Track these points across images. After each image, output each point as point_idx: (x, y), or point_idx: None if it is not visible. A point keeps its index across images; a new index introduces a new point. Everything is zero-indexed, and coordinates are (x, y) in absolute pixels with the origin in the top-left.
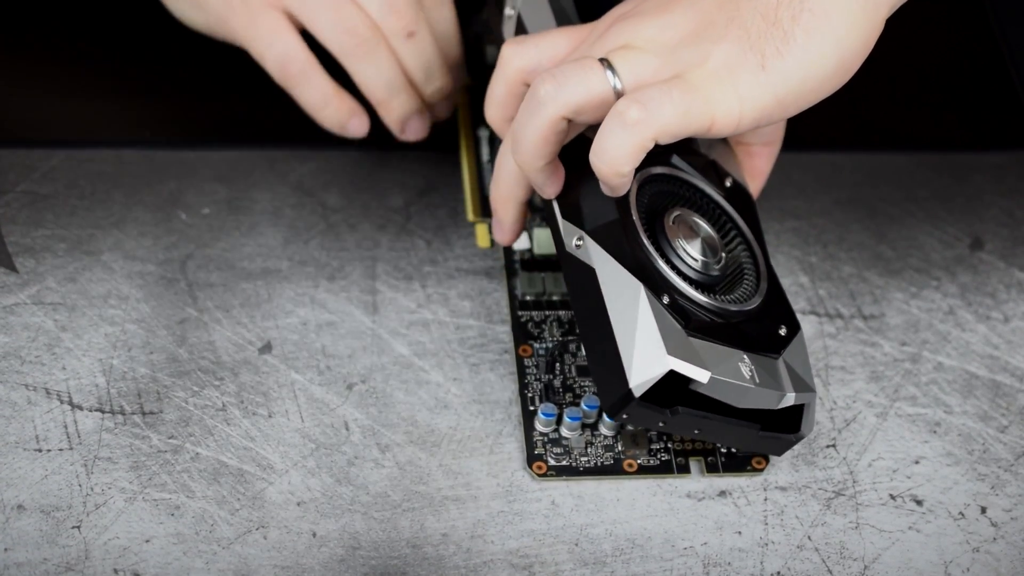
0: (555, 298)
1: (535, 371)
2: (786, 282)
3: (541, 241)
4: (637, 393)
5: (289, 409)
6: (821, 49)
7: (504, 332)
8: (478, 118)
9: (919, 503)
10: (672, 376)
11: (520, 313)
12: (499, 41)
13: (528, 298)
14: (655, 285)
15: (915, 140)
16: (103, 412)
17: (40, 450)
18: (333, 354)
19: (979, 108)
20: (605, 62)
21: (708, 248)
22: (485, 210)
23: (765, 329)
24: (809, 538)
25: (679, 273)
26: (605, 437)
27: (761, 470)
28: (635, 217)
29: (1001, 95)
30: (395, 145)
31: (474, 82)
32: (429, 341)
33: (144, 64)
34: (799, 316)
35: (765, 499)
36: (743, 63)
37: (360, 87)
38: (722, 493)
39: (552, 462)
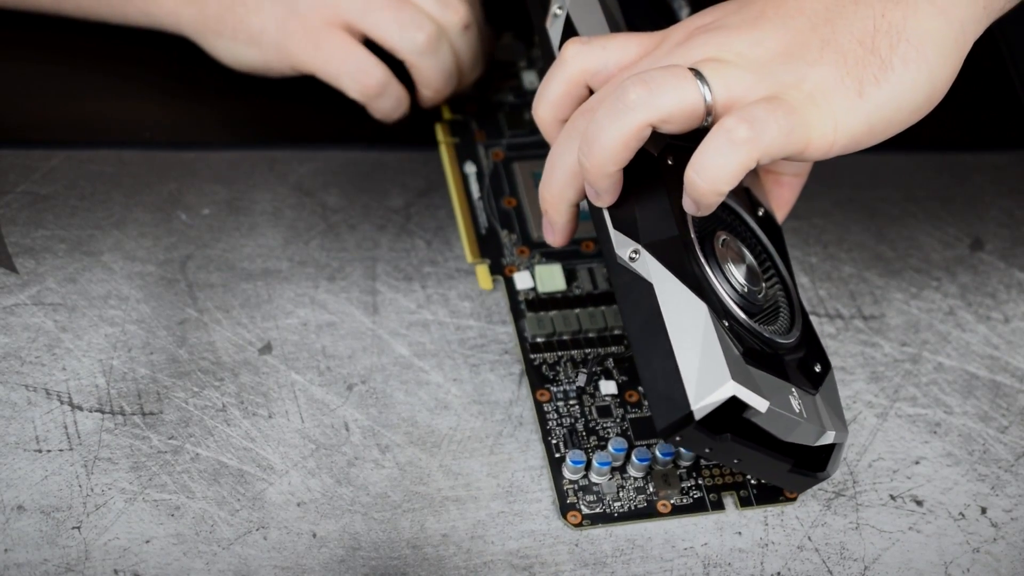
0: (566, 337)
1: (556, 416)
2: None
3: (544, 279)
4: (698, 416)
5: (289, 410)
6: (916, 78)
7: (504, 332)
8: (464, 153)
9: (919, 503)
10: (730, 403)
11: (532, 356)
12: (545, 46)
13: (539, 340)
14: (714, 307)
15: (915, 140)
16: (103, 413)
17: (40, 451)
18: (333, 355)
19: (979, 108)
20: (696, 72)
21: (753, 276)
22: (483, 250)
23: (803, 364)
24: (809, 538)
25: (730, 298)
26: (635, 479)
27: (793, 499)
28: (693, 235)
29: (1001, 95)
30: (395, 145)
31: (454, 115)
32: (429, 342)
33: (144, 64)
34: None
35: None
36: (840, 88)
37: (422, 80)
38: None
39: (586, 510)
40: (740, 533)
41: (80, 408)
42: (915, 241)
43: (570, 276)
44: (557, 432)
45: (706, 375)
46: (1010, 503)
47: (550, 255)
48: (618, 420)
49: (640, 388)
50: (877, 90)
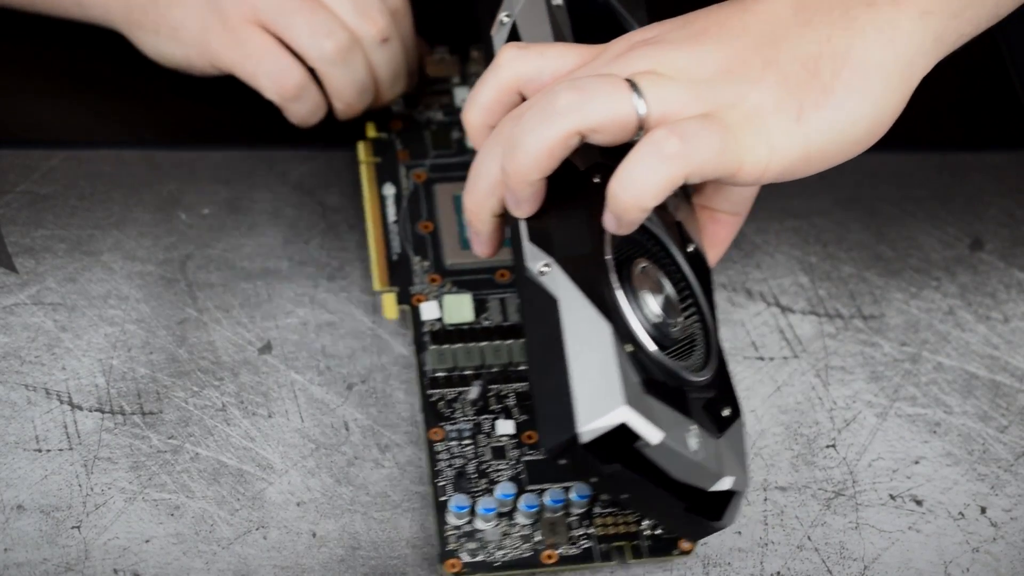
0: (467, 372)
1: (447, 456)
2: (786, 282)
3: (451, 309)
4: (585, 439)
5: (289, 409)
6: (859, 109)
7: None
8: (385, 174)
9: (919, 503)
10: (621, 430)
11: (430, 392)
12: (489, 55)
13: (439, 375)
14: (619, 330)
15: (915, 140)
16: (103, 412)
17: (40, 450)
18: (333, 354)
19: (979, 108)
20: (632, 84)
21: (670, 308)
22: (393, 278)
23: (710, 406)
24: (809, 538)
25: (641, 325)
26: (522, 527)
27: (689, 552)
28: (609, 256)
29: (1001, 95)
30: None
31: (379, 133)
32: None
33: (144, 64)
34: (799, 316)
35: (765, 499)
36: (779, 111)
37: (331, 90)
38: None
39: (467, 558)
40: (740, 533)
41: (80, 408)
42: (915, 241)
43: (480, 307)
44: (447, 474)
45: (599, 398)
46: (1010, 503)
47: (462, 284)
48: (512, 462)
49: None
50: (817, 116)
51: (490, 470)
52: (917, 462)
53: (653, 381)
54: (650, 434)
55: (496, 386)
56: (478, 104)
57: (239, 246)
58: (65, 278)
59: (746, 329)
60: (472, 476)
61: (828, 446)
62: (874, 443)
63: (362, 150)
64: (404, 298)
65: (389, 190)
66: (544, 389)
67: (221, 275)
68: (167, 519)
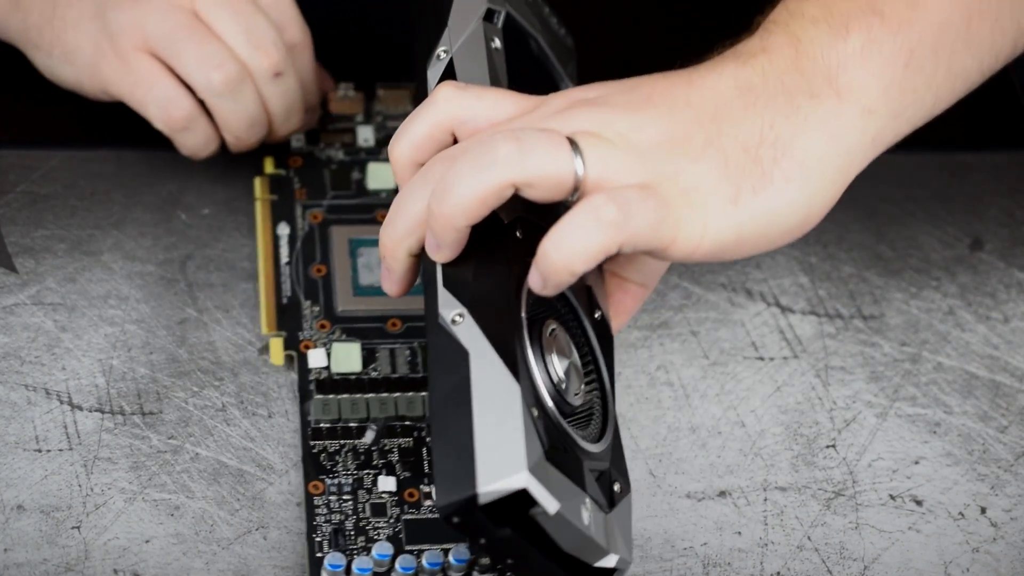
0: (352, 424)
1: (326, 511)
2: (786, 282)
3: (340, 358)
4: (483, 500)
5: (289, 409)
6: (795, 198)
7: None
8: (280, 213)
9: (919, 503)
10: (518, 496)
11: (312, 443)
12: (422, 90)
13: (322, 426)
14: (526, 392)
15: (915, 140)
16: (103, 412)
17: (40, 450)
18: None
19: (979, 108)
20: (572, 142)
21: (574, 374)
22: (281, 322)
23: (603, 479)
24: (809, 538)
25: (547, 390)
26: None
27: None
28: (523, 315)
29: (1001, 95)
30: None
31: (277, 170)
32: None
33: None
34: (799, 316)
35: (765, 499)
36: (716, 191)
37: (220, 122)
38: (722, 493)
39: None
40: (740, 533)
41: (80, 408)
42: (915, 241)
43: (369, 356)
44: (324, 529)
45: (502, 460)
46: (1010, 503)
47: (352, 332)
48: (392, 521)
49: (426, 470)
50: (753, 201)
51: (368, 527)
52: (917, 462)
53: (555, 449)
54: (548, 503)
55: (381, 441)
56: (409, 139)
57: (239, 246)
58: (65, 278)
59: (746, 329)
60: (350, 533)
61: (828, 446)
62: (874, 443)
63: (258, 186)
64: (292, 343)
65: (284, 230)
66: (445, 443)
67: (221, 275)
68: (167, 519)
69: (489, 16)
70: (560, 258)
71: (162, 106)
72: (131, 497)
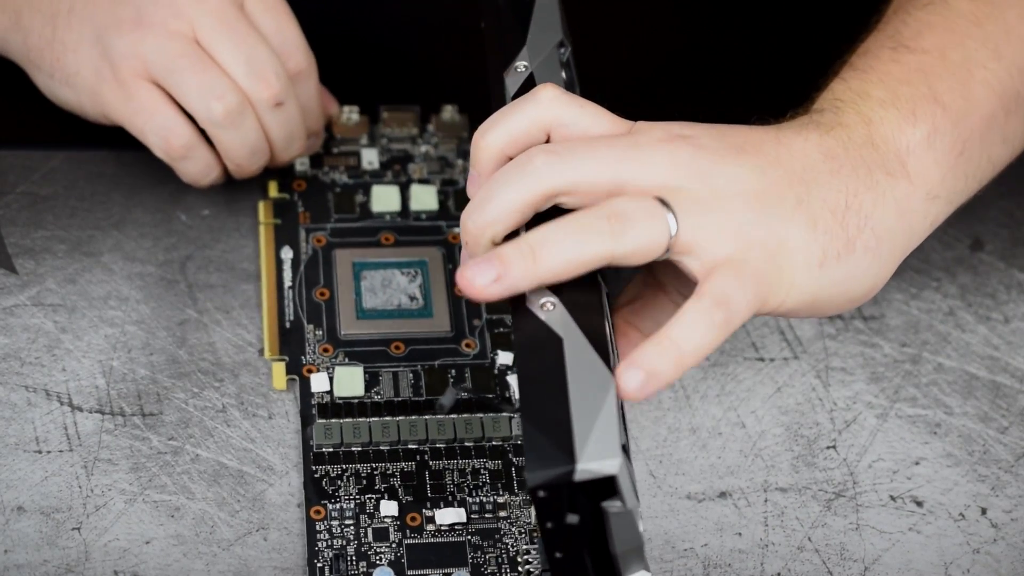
0: (355, 449)
1: (327, 537)
2: None
3: (342, 381)
4: (578, 477)
5: (289, 411)
6: (869, 269)
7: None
8: (284, 236)
9: (919, 504)
10: (599, 485)
11: (314, 468)
12: (497, 92)
13: (324, 450)
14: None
15: None
16: (103, 414)
17: (40, 452)
18: None
19: None
20: (666, 205)
21: None
22: (284, 347)
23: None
24: (809, 539)
25: None
26: None
27: None
28: (607, 307)
29: None
30: None
31: (281, 194)
32: None
33: None
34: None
35: (765, 500)
36: (805, 253)
37: (221, 151)
38: (722, 494)
39: None
40: (740, 534)
41: (80, 409)
42: None
43: (372, 380)
44: (325, 554)
45: (598, 444)
46: (1010, 504)
47: (355, 356)
48: (393, 545)
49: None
50: (836, 265)
51: (370, 552)
52: (917, 463)
53: (624, 448)
54: (628, 498)
55: (383, 464)
56: (507, 130)
57: (239, 247)
58: (65, 279)
59: (746, 330)
60: (351, 558)
61: (828, 447)
62: (874, 444)
63: (262, 210)
64: (294, 367)
65: (287, 254)
66: (538, 421)
67: (221, 276)
68: (167, 520)
69: (559, 45)
70: (682, 355)
71: (162, 135)
72: (131, 498)
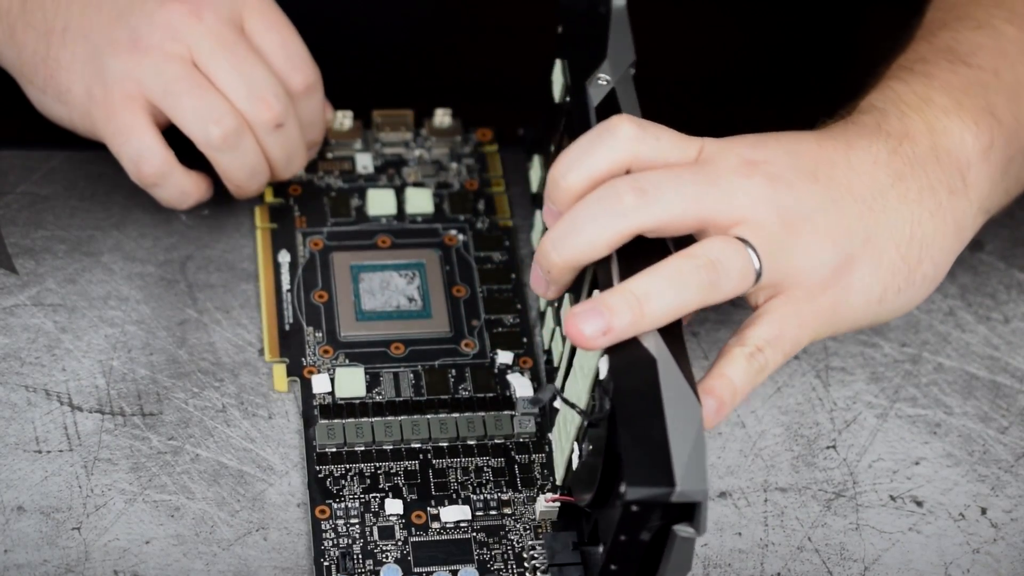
0: (358, 449)
1: (333, 536)
2: None
3: (343, 382)
4: (675, 499)
5: (289, 410)
6: (922, 295)
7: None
8: (280, 240)
9: (919, 504)
10: (688, 507)
11: (318, 468)
12: (579, 102)
13: (327, 451)
14: None
15: None
16: (103, 413)
17: (40, 451)
18: None
19: None
20: (748, 244)
21: None
22: (284, 349)
23: None
24: (809, 539)
25: None
26: None
27: None
28: (683, 343)
29: None
30: None
31: (276, 199)
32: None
33: None
34: None
35: (765, 500)
36: (867, 293)
37: (220, 173)
38: (722, 494)
39: None
40: (740, 534)
41: (80, 409)
42: None
43: (373, 381)
44: (331, 553)
45: (691, 469)
46: (1010, 504)
47: (355, 357)
48: (399, 543)
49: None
50: (895, 300)
51: (376, 551)
52: (917, 463)
53: None
54: (700, 526)
55: (386, 464)
56: (587, 173)
57: (239, 247)
58: (65, 279)
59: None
60: (358, 556)
61: (828, 447)
62: (874, 444)
63: (258, 215)
64: (295, 369)
65: (284, 257)
66: (637, 435)
67: (221, 276)
68: (167, 520)
69: (632, 64)
70: (730, 396)
71: (134, 160)
72: (131, 498)
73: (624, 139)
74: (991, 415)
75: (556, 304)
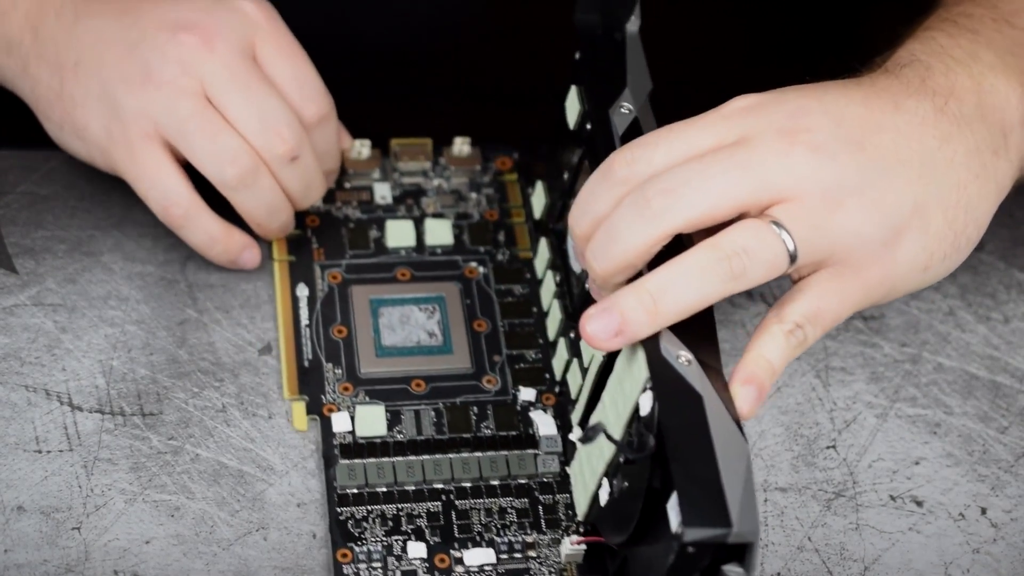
0: (380, 490)
1: None
2: (786, 282)
3: (364, 421)
4: (731, 540)
5: (289, 410)
6: (960, 261)
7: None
8: (298, 273)
9: (919, 504)
10: (739, 548)
11: (339, 510)
12: (600, 128)
13: (348, 492)
14: None
15: None
16: (103, 413)
17: (40, 451)
18: None
19: None
20: (782, 227)
21: None
22: (303, 386)
23: None
24: (809, 539)
25: None
26: None
27: None
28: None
29: None
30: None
31: (294, 230)
32: None
33: None
34: None
35: (765, 500)
36: (913, 263)
37: (241, 212)
38: None
39: None
40: None
41: (80, 409)
42: None
43: (394, 419)
44: None
45: (744, 509)
46: (1010, 504)
47: (375, 394)
48: None
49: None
50: (940, 266)
51: None
52: (917, 463)
53: None
54: (751, 569)
55: (408, 505)
56: (594, 217)
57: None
58: (65, 279)
59: (746, 330)
60: None
61: (828, 447)
62: (874, 444)
63: (276, 247)
64: (315, 407)
65: (303, 291)
66: (691, 475)
67: (221, 276)
68: (167, 520)
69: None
70: (764, 372)
71: (161, 203)
72: (131, 498)
73: (618, 172)
74: (991, 415)
75: (573, 335)
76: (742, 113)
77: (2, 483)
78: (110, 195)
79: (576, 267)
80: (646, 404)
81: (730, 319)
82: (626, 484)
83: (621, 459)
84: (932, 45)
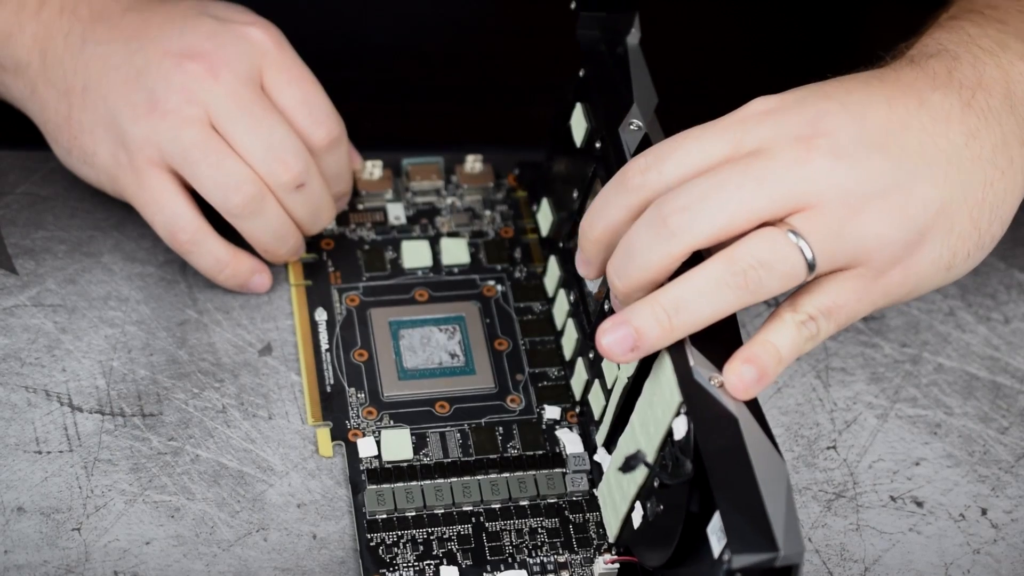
0: (409, 515)
1: None
2: None
3: (390, 445)
4: (779, 563)
5: (289, 411)
6: (983, 257)
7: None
8: (316, 299)
9: (919, 504)
10: (785, 570)
11: (369, 536)
12: (610, 144)
13: (378, 518)
14: None
15: None
16: (103, 414)
17: (40, 452)
18: None
19: None
20: (800, 236)
21: None
22: (326, 412)
23: None
24: (809, 539)
25: None
26: None
27: None
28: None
29: None
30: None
31: (309, 255)
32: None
33: None
34: None
35: None
36: (936, 263)
37: (249, 239)
38: None
39: None
40: None
41: (80, 409)
42: None
43: (419, 442)
44: None
45: (789, 531)
46: (1010, 504)
47: (399, 417)
48: None
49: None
50: (963, 265)
51: None
52: (918, 463)
53: None
54: None
55: (438, 528)
56: (605, 224)
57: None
58: (65, 280)
59: (746, 330)
60: None
61: (829, 447)
62: (875, 444)
63: (292, 272)
64: (339, 433)
65: (321, 315)
66: (734, 500)
67: None
68: (167, 521)
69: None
70: (768, 370)
71: (168, 229)
72: (131, 499)
73: (632, 180)
74: (991, 415)
75: (592, 355)
76: (759, 118)
77: (2, 484)
78: (110, 196)
79: (590, 286)
80: (680, 428)
81: None
82: (660, 507)
83: (656, 483)
84: (960, 34)
